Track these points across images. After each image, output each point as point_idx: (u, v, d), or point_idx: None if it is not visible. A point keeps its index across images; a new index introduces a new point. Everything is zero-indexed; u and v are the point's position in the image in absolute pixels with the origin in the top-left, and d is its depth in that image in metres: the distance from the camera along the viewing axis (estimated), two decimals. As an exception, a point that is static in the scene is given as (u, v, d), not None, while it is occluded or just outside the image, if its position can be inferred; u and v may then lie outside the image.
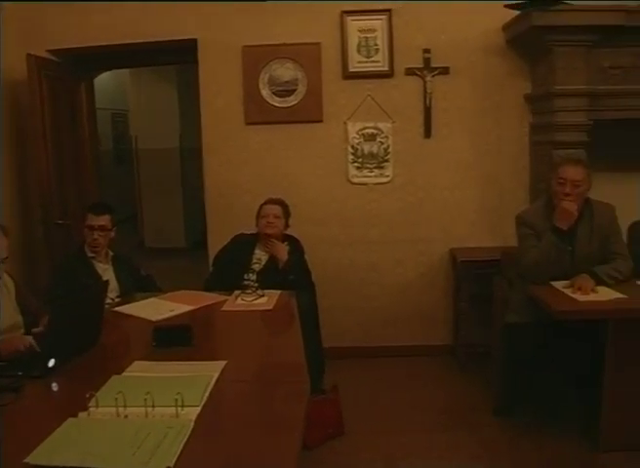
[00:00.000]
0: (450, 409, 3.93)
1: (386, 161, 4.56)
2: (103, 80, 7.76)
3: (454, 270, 4.58)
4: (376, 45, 4.47)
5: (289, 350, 2.70)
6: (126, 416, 1.87)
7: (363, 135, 4.54)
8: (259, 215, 4.03)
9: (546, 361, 3.50)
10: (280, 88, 4.55)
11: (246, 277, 3.89)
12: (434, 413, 3.87)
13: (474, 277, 4.31)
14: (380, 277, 4.68)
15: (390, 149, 4.55)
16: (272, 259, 3.94)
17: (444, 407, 3.96)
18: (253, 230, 4.04)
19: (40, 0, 4.59)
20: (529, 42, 4.29)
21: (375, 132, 4.54)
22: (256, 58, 4.53)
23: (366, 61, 4.49)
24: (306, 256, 4.13)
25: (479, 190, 4.61)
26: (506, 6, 4.11)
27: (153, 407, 1.89)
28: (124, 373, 2.27)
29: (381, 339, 4.72)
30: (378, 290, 4.70)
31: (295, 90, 4.54)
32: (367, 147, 4.56)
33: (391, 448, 3.48)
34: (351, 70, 4.49)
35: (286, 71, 4.55)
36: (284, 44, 4.50)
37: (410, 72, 4.48)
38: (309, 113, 4.55)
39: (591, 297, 3.19)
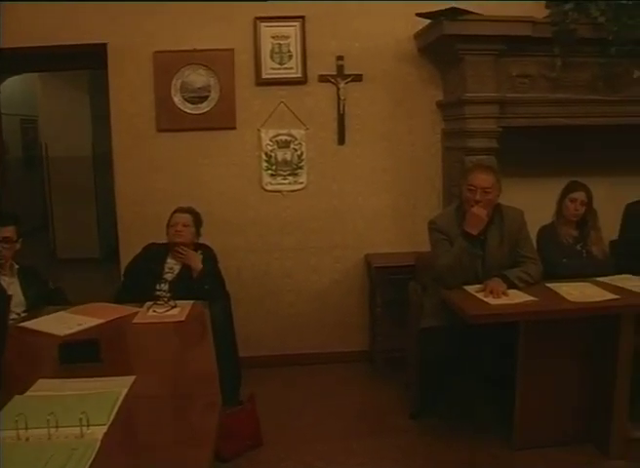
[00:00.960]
0: (368, 414, 3.93)
1: (300, 168, 4.54)
2: (11, 85, 7.49)
3: (369, 276, 4.58)
4: (289, 51, 4.44)
5: (200, 362, 2.63)
6: (27, 439, 1.76)
7: (277, 141, 4.50)
8: (168, 224, 3.93)
9: (461, 363, 3.54)
10: (192, 94, 4.46)
11: (158, 287, 3.78)
12: (352, 420, 3.86)
13: (389, 282, 4.33)
14: (295, 284, 4.65)
15: (304, 156, 4.53)
16: (185, 269, 3.85)
17: (362, 412, 3.96)
18: (165, 239, 3.94)
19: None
20: (440, 50, 4.35)
21: (288, 139, 4.51)
22: (167, 64, 4.43)
23: (279, 68, 4.45)
24: (221, 265, 4.05)
25: (393, 196, 4.64)
26: (418, 14, 4.16)
27: (57, 427, 1.79)
28: (27, 393, 2.15)
29: (299, 347, 4.68)
30: (294, 297, 4.66)
31: (207, 96, 4.46)
32: (281, 154, 4.52)
33: (311, 456, 3.45)
34: (264, 77, 4.45)
35: (198, 77, 4.46)
36: (196, 50, 4.41)
37: (323, 79, 4.47)
38: (222, 120, 4.47)
39: (502, 300, 3.23)
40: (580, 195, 3.97)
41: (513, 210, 3.67)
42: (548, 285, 3.53)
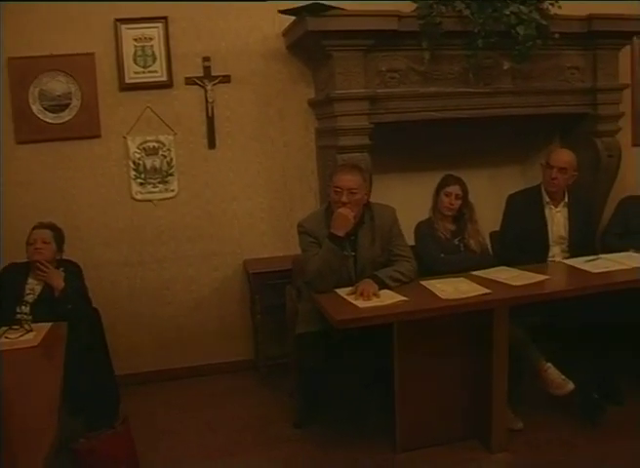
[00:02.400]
0: (252, 425, 3.72)
1: (171, 175, 4.27)
2: None
3: (248, 283, 4.37)
4: (153, 54, 4.17)
5: (42, 393, 2.38)
6: None
7: (144, 149, 4.23)
8: (27, 242, 3.61)
9: (340, 367, 3.38)
10: (52, 103, 4.12)
11: (19, 310, 3.49)
12: (235, 433, 3.65)
13: (267, 288, 4.12)
14: (174, 296, 4.39)
15: (174, 163, 4.27)
16: (47, 288, 3.55)
17: (246, 424, 3.74)
18: (26, 259, 3.63)
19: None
20: (308, 47, 4.18)
21: (156, 145, 4.24)
22: (23, 71, 4.07)
23: (143, 72, 4.18)
24: (94, 280, 3.89)
25: (268, 199, 4.45)
26: (281, 11, 3.99)
27: None
28: None
29: (182, 360, 4.43)
30: (173, 309, 4.40)
31: (69, 104, 4.14)
32: (149, 162, 4.25)
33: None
34: (128, 81, 4.16)
35: (58, 84, 4.13)
36: (53, 55, 4.07)
37: (190, 82, 4.22)
38: (86, 129, 4.16)
39: (372, 303, 3.08)
40: (454, 189, 3.88)
41: (384, 207, 3.54)
42: (422, 282, 3.42)
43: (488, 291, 3.20)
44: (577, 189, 4.22)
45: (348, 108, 3.99)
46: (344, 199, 3.31)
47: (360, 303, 3.08)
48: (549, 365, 3.45)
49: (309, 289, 3.40)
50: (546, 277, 3.46)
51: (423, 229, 3.95)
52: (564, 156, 4.06)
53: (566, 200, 4.12)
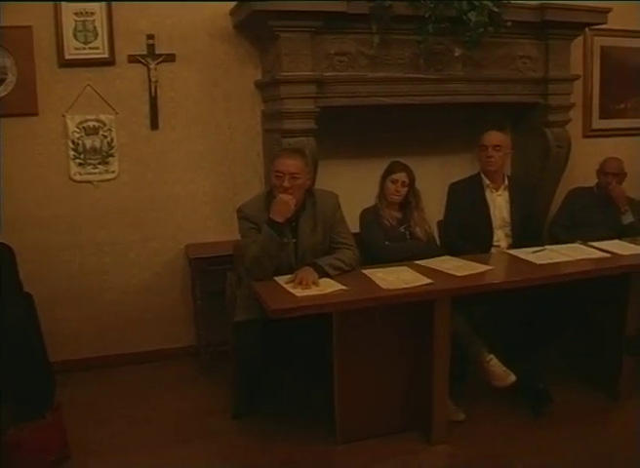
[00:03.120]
0: (189, 416, 3.57)
1: (111, 156, 4.05)
2: None
3: (190, 268, 4.21)
4: (94, 29, 3.94)
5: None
6: None
7: (84, 128, 4.00)
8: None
9: (280, 356, 3.27)
10: (-14, 77, 3.90)
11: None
12: (172, 424, 3.50)
13: (208, 274, 3.97)
14: (115, 280, 4.20)
15: (115, 143, 4.05)
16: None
17: (184, 415, 3.59)
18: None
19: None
20: (255, 28, 4.01)
21: (97, 124, 4.02)
22: (-45, 45, 3.85)
23: (84, 48, 3.95)
24: (31, 264, 3.71)
25: (212, 182, 4.28)
26: (227, -11, 3.83)
27: None
28: None
29: (122, 347, 4.24)
30: (113, 294, 4.21)
31: (4, 79, 3.87)
32: (89, 142, 4.02)
33: (121, 468, 3.08)
34: (68, 57, 3.92)
35: (-8, 58, 3.91)
36: (-14, 27, 3.84)
37: (133, 59, 4.01)
38: (22, 105, 3.90)
39: (311, 291, 2.95)
40: (400, 176, 3.77)
41: (327, 193, 3.41)
42: (364, 271, 3.30)
43: (430, 281, 3.10)
44: (519, 175, 4.16)
45: (295, 91, 3.84)
46: (286, 184, 3.17)
47: (298, 292, 2.94)
48: (492, 356, 3.37)
49: (248, 275, 3.26)
50: (490, 267, 3.37)
51: (368, 216, 3.84)
52: (495, 135, 4.04)
53: (506, 183, 4.06)
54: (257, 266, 3.15)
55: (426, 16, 3.88)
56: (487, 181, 4.02)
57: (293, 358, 3.31)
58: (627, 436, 3.31)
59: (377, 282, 3.10)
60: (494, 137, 3.98)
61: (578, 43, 4.74)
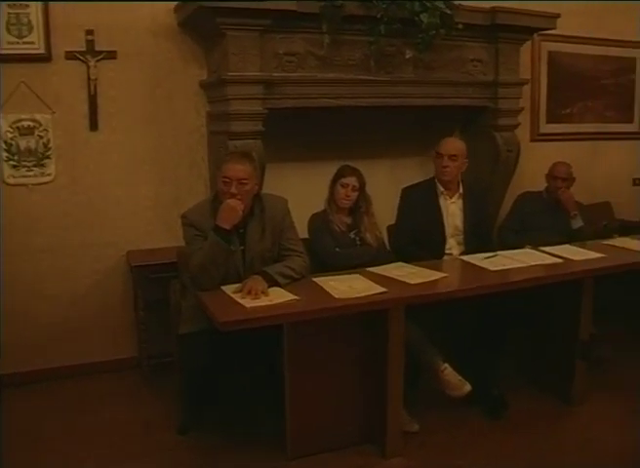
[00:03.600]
0: (132, 432, 3.35)
1: (48, 158, 3.78)
2: None
3: (131, 276, 3.98)
4: (29, 23, 3.68)
5: None
6: None
7: (18, 128, 3.73)
8: None
9: (228, 368, 3.10)
10: None
11: None
12: (114, 440, 3.27)
13: (151, 282, 3.74)
14: (52, 289, 3.92)
15: (51, 144, 3.78)
16: None
17: (126, 430, 3.36)
18: None
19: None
20: (201, 25, 3.82)
21: (32, 124, 3.75)
22: None
23: (18, 42, 3.68)
24: None
25: (155, 186, 4.05)
26: (172, -16, 3.63)
27: None
28: None
29: (59, 359, 3.96)
30: (50, 304, 3.93)
31: None
32: (23, 143, 3.75)
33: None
34: (0, 52, 3.66)
35: None
36: None
37: (71, 56, 3.75)
38: (-49, 104, 3.67)
39: (260, 302, 2.78)
40: (350, 180, 3.64)
41: (276, 198, 3.25)
42: (315, 279, 3.14)
43: (383, 289, 2.96)
44: (470, 181, 4.07)
45: (242, 92, 3.67)
46: (234, 190, 3.00)
47: (247, 302, 2.77)
48: (446, 365, 3.27)
49: (193, 285, 3.07)
50: (444, 275, 3.26)
51: (318, 222, 3.70)
52: (453, 143, 3.93)
53: (460, 191, 3.96)
54: (202, 275, 2.96)
55: (378, 16, 3.77)
56: (441, 188, 3.92)
57: (242, 369, 3.15)
58: (580, 441, 3.26)
59: (329, 291, 2.95)
60: (451, 146, 3.87)
61: (526, 48, 4.70)
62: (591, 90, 5.33)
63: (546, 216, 4.31)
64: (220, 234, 2.93)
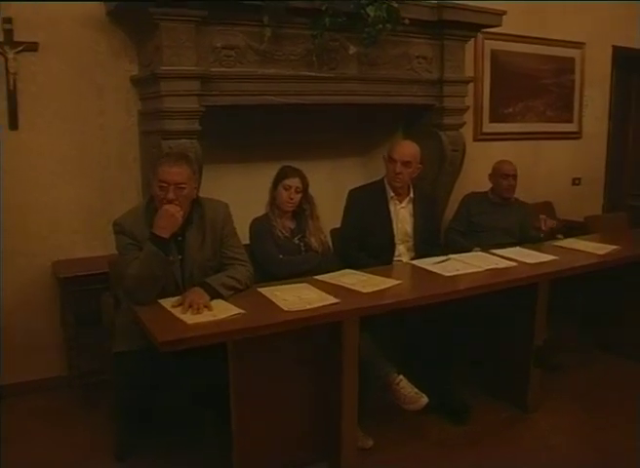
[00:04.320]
0: (64, 459, 3.00)
1: (-39, 160, 3.43)
2: None
3: (59, 288, 3.61)
4: None
5: None
6: None
7: None
8: None
9: (169, 386, 2.80)
10: None
11: None
12: (45, 469, 2.94)
13: (81, 295, 3.39)
14: (-29, 303, 3.53)
15: (-35, 144, 3.42)
16: None
17: (56, 460, 3.00)
18: None
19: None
20: (132, 15, 3.50)
21: (-56, 123, 3.39)
22: None
23: None
24: None
25: (82, 190, 3.68)
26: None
27: None
28: None
29: (-20, 380, 3.58)
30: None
31: None
32: None
33: None
34: None
35: None
36: None
37: (-14, 48, 3.40)
38: None
39: (203, 317, 2.49)
40: (293, 182, 3.40)
41: (216, 203, 2.97)
42: (260, 290, 2.88)
43: (335, 300, 2.72)
44: (421, 184, 3.88)
45: (176, 88, 3.37)
46: (171, 195, 2.70)
47: (188, 318, 2.48)
48: (401, 377, 3.06)
49: (128, 299, 2.76)
50: (397, 282, 3.05)
51: (260, 227, 3.44)
52: (407, 149, 3.70)
53: (411, 195, 3.76)
54: (138, 288, 2.66)
55: (323, 9, 3.52)
56: (391, 193, 3.71)
57: (184, 387, 2.84)
58: (540, 451, 3.13)
59: (276, 303, 2.69)
60: (405, 152, 3.65)
61: (469, 46, 4.52)
62: (533, 89, 5.24)
63: (493, 217, 4.19)
64: (158, 243, 2.64)
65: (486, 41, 4.84)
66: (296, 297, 2.76)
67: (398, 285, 3.02)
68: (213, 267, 2.90)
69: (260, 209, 3.49)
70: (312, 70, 3.76)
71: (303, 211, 3.50)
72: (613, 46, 5.66)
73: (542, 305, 3.35)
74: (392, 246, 3.70)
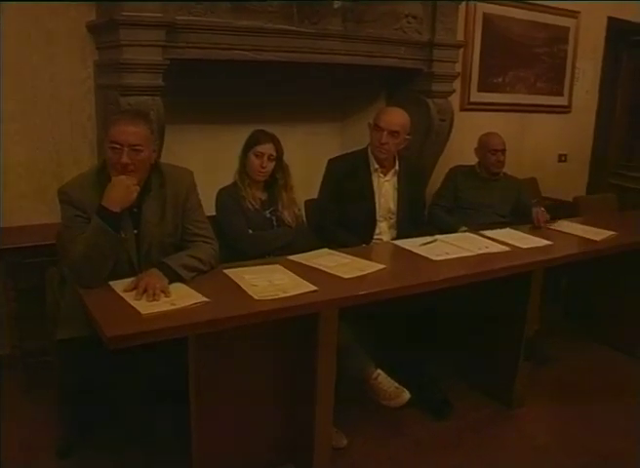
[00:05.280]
0: (3, 455, 2.59)
1: None
2: None
3: (0, 259, 3.16)
4: None
5: None
6: None
7: None
8: None
9: (120, 379, 2.43)
10: None
11: None
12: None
13: (25, 268, 2.95)
14: None
15: None
16: None
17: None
18: None
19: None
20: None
21: None
22: None
23: None
24: None
25: (28, 150, 3.20)
26: None
27: None
28: None
29: None
30: None
31: None
32: None
33: None
34: None
35: None
36: None
37: None
38: None
39: (160, 306, 2.10)
40: (267, 148, 3.00)
41: (179, 170, 2.56)
42: (227, 272, 2.49)
43: (313, 287, 2.35)
44: (407, 155, 3.50)
45: (138, 37, 2.91)
46: (125, 159, 2.29)
47: (143, 307, 2.09)
48: (379, 371, 2.71)
49: (74, 279, 2.36)
50: (381, 266, 2.67)
51: (227, 198, 3.04)
52: (396, 117, 3.30)
53: (396, 167, 3.39)
54: (84, 269, 2.25)
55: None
56: (375, 165, 3.34)
57: (137, 379, 2.46)
58: (524, 449, 2.86)
59: (245, 289, 2.31)
60: (394, 120, 3.25)
61: (460, 8, 4.09)
62: (524, 58, 4.84)
63: (481, 193, 3.85)
64: (107, 218, 2.23)
65: (478, 3, 4.42)
66: (267, 282, 2.38)
67: (382, 270, 2.65)
68: (173, 244, 2.50)
69: (227, 177, 3.10)
70: (292, 24, 3.32)
71: (276, 180, 3.10)
72: (608, 17, 5.29)
73: (536, 294, 3.03)
74: (373, 222, 3.34)
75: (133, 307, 2.09)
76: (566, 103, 5.27)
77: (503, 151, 3.83)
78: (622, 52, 5.87)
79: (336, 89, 4.06)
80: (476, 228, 3.46)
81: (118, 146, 2.30)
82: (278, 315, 2.21)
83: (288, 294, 2.28)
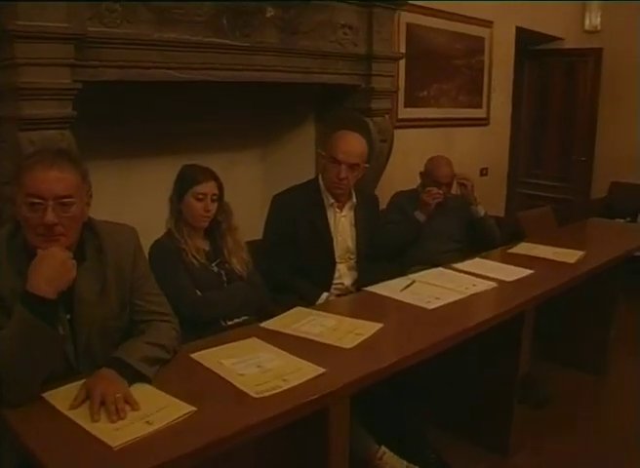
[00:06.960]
0: None
1: None
2: None
3: None
4: None
5: None
6: None
7: None
8: None
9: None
10: None
11: None
12: None
13: None
14: None
15: None
16: None
17: None
18: None
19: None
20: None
21: None
22: None
23: None
24: None
25: None
26: None
27: None
28: None
29: None
30: None
31: None
32: None
33: None
34: None
35: None
36: None
37: None
38: None
39: (133, 430, 1.42)
40: (209, 187, 2.40)
41: (120, 229, 1.89)
42: (196, 356, 1.85)
43: (320, 370, 1.76)
44: (361, 183, 2.98)
45: (39, 54, 2.17)
46: (50, 217, 1.60)
47: (109, 436, 1.40)
48: (384, 449, 2.20)
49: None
50: (379, 325, 2.11)
51: (165, 253, 2.36)
52: (355, 147, 2.77)
53: (354, 200, 2.86)
54: (7, 381, 1.52)
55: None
56: (330, 199, 2.79)
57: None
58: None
59: (234, 383, 1.68)
60: (353, 151, 2.72)
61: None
62: (446, 70, 4.48)
63: (434, 220, 3.33)
64: (37, 308, 1.51)
65: (401, 13, 3.97)
66: (256, 368, 1.77)
67: (381, 329, 2.09)
68: (120, 329, 1.82)
69: (145, 224, 2.35)
70: (223, 36, 2.71)
71: (219, 224, 2.48)
72: (516, 27, 5.04)
73: (528, 333, 2.60)
74: (332, 266, 2.80)
75: (94, 437, 1.41)
76: (484, 116, 4.97)
77: (449, 185, 3.38)
78: (525, 62, 5.72)
79: (258, 111, 3.49)
80: (432, 260, 3.02)
81: (39, 201, 1.60)
82: (291, 417, 1.59)
83: (292, 384, 1.68)
